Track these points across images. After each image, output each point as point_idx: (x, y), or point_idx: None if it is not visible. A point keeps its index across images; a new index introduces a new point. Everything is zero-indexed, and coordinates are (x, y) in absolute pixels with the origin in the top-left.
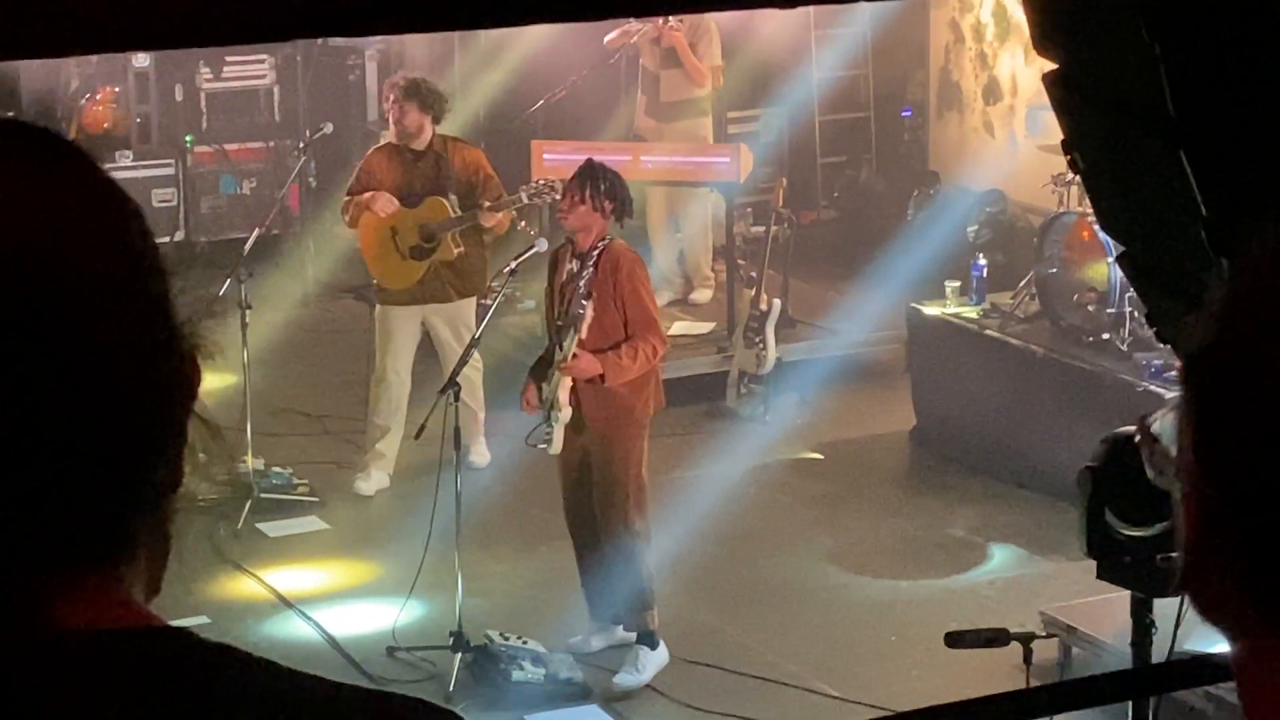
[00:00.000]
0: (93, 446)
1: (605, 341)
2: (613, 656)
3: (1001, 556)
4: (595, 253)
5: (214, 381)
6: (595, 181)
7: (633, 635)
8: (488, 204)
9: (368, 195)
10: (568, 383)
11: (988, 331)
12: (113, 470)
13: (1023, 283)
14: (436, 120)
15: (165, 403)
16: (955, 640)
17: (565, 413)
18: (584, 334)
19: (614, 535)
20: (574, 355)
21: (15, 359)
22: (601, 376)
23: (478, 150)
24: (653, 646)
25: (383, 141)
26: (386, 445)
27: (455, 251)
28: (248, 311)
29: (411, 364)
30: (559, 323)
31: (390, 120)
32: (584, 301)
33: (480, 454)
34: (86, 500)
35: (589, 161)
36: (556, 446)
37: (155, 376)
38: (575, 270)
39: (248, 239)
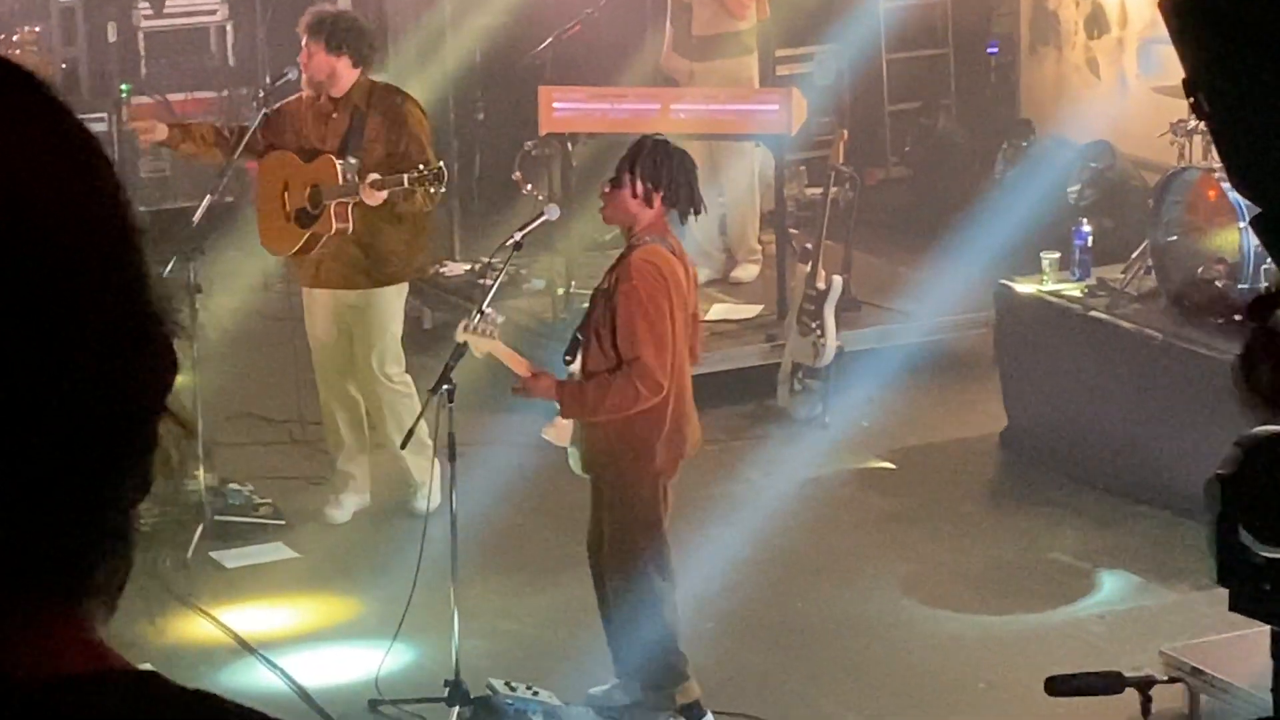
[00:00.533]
0: (54, 456)
1: (598, 363)
2: (643, 712)
3: (1112, 585)
4: (621, 254)
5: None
6: (637, 162)
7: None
8: (374, 177)
9: (141, 122)
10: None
11: (1093, 313)
12: (76, 485)
13: (1135, 253)
14: (358, 64)
15: (138, 401)
16: (1058, 686)
17: (549, 431)
18: (583, 355)
19: (623, 593)
20: (529, 372)
21: None
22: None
23: (409, 104)
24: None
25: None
26: (348, 463)
27: (336, 226)
28: (197, 296)
29: (348, 357)
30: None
31: (302, 73)
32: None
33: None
34: (44, 522)
35: (641, 139)
36: (575, 467)
37: (129, 370)
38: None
39: (196, 208)
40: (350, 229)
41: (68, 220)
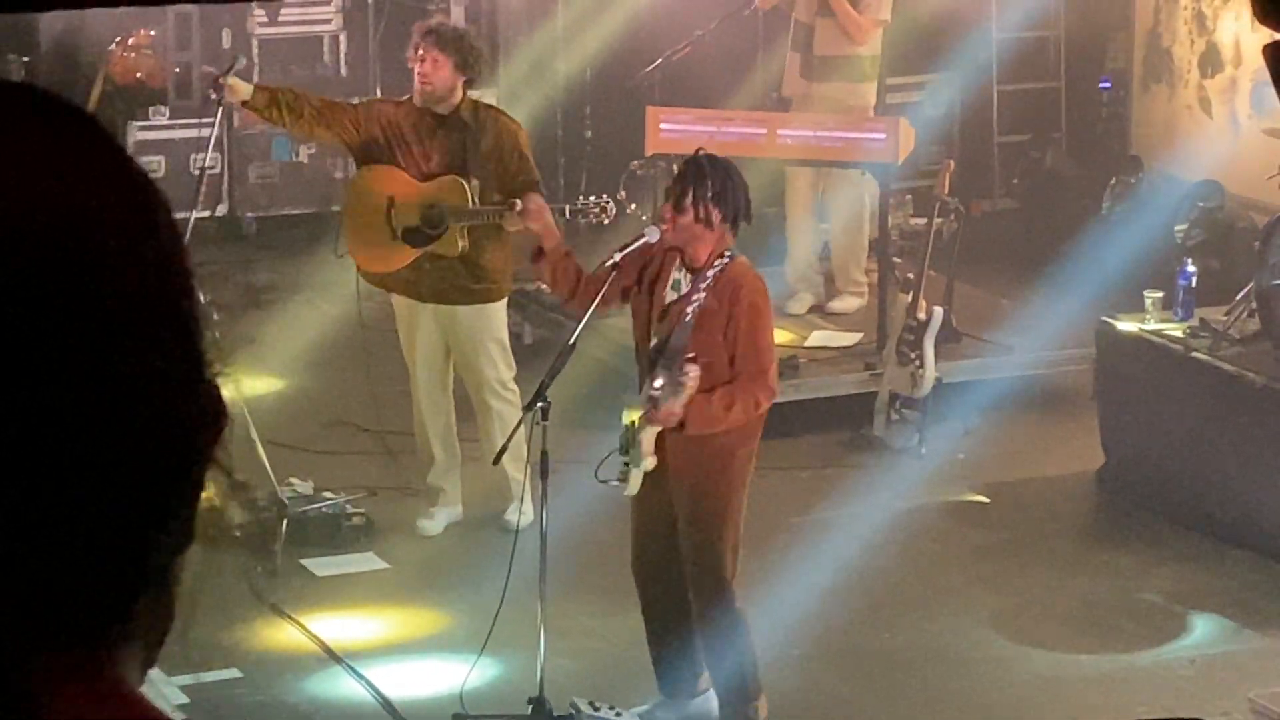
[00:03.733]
0: (96, 500)
1: (709, 379)
2: None
3: (1204, 628)
4: (711, 273)
5: (257, 386)
6: (700, 184)
7: (712, 703)
8: (519, 204)
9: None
10: (655, 427)
11: (1195, 354)
12: (117, 531)
13: (1240, 295)
14: (471, 84)
15: (185, 447)
16: None
17: (649, 462)
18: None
19: (708, 609)
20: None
21: (9, 389)
22: (683, 423)
23: (517, 125)
24: None
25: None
26: (440, 477)
27: (460, 247)
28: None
29: (445, 371)
30: (654, 345)
31: (415, 73)
32: (683, 336)
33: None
34: (84, 571)
35: (694, 158)
36: (633, 489)
37: (177, 416)
38: (684, 289)
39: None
40: (466, 248)
41: (123, 263)
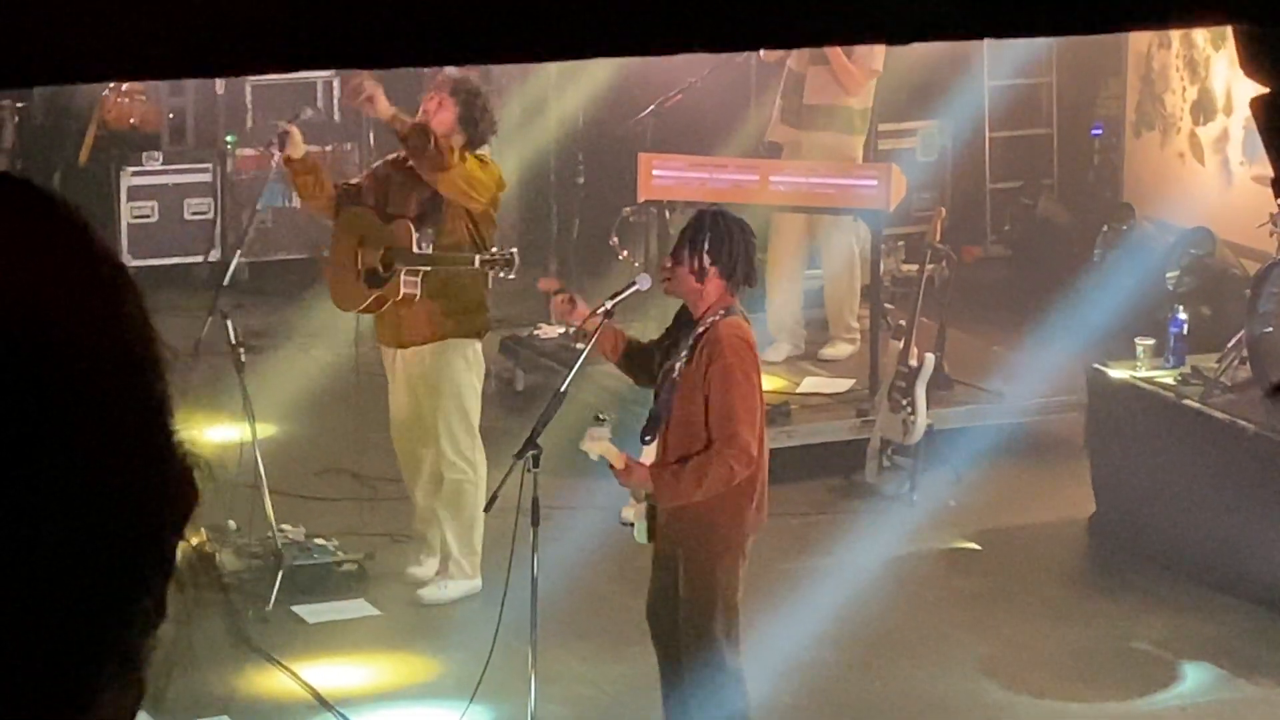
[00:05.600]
0: (64, 578)
1: (688, 443)
2: None
3: (1196, 677)
4: (698, 332)
5: (249, 433)
6: (698, 237)
7: None
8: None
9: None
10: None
11: (1186, 401)
12: (86, 609)
13: (1231, 343)
14: (471, 144)
15: (155, 526)
16: None
17: (629, 511)
18: (665, 433)
19: (695, 668)
20: (624, 465)
21: None
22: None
23: (494, 173)
24: None
25: None
26: (424, 525)
27: (403, 293)
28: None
29: (416, 420)
30: (655, 404)
31: (421, 110)
32: (668, 396)
33: (438, 589)
34: (50, 648)
35: (700, 212)
36: (640, 537)
37: (147, 495)
38: (677, 345)
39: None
40: (418, 296)
41: (91, 345)
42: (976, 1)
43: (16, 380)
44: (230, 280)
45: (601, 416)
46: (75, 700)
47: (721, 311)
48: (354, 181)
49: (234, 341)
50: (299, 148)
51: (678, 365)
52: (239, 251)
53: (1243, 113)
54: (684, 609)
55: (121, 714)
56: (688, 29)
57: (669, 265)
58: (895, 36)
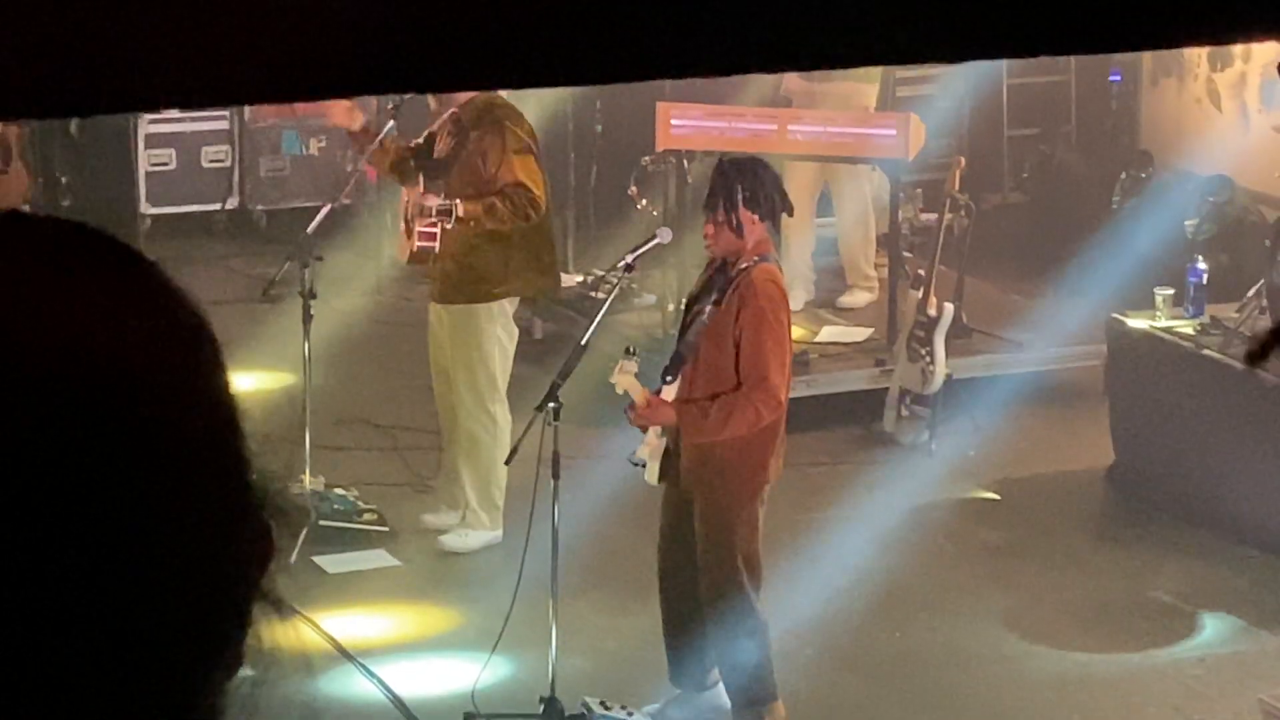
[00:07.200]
0: (147, 637)
1: (716, 385)
2: None
3: (1214, 628)
4: (732, 276)
5: (269, 382)
6: (732, 191)
7: (723, 698)
8: (461, 202)
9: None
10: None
11: (1205, 351)
12: (167, 667)
13: (1251, 292)
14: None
15: (234, 583)
16: None
17: (644, 450)
18: (690, 374)
19: (720, 614)
20: (646, 401)
21: (64, 529)
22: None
23: (510, 126)
24: None
25: None
26: (450, 479)
27: (417, 245)
28: (311, 302)
29: (447, 376)
30: (678, 345)
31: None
32: (694, 338)
33: (459, 538)
34: (135, 708)
35: (720, 165)
36: (651, 478)
37: (226, 553)
38: (709, 289)
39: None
40: (435, 249)
41: (175, 402)
42: (1035, 20)
43: (104, 440)
44: (248, 229)
45: (632, 349)
46: None
47: (756, 258)
48: (415, 142)
49: (306, 290)
50: (356, 119)
51: (707, 307)
52: (335, 200)
53: (1260, 59)
54: (702, 557)
55: None
56: (697, 54)
57: (710, 230)
58: (950, 56)
